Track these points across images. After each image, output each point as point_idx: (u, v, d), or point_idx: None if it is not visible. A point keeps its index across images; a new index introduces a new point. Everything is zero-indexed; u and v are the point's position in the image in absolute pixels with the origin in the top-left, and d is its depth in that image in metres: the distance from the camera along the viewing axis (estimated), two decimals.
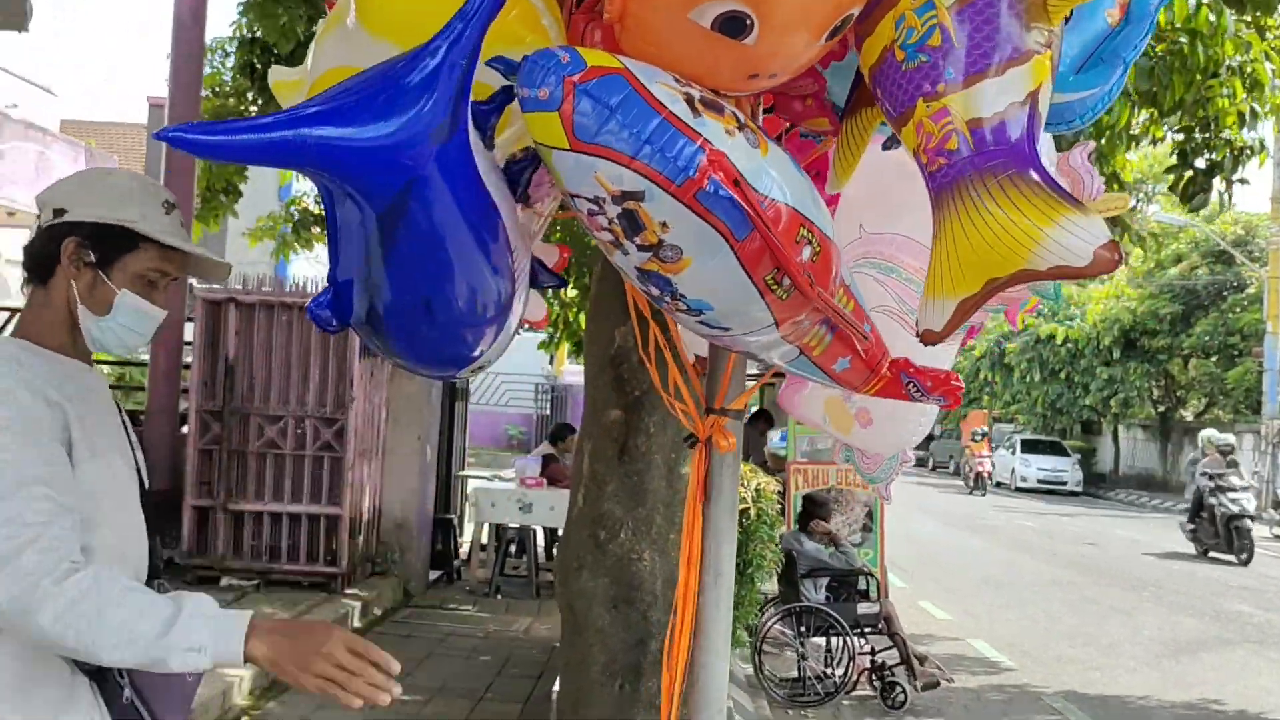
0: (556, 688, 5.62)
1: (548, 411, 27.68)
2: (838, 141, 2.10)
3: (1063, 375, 36.95)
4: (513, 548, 11.43)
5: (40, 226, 2.18)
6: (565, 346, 20.88)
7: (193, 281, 8.63)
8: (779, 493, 8.54)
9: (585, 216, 1.70)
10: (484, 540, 11.81)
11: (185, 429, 10.06)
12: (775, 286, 1.75)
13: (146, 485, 2.29)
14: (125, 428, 2.27)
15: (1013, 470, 35.67)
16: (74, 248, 2.12)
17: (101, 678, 2.04)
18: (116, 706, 2.05)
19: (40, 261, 2.16)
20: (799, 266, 1.75)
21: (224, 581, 8.78)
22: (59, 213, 2.15)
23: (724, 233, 1.68)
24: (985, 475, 32.76)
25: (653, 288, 1.80)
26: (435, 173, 1.73)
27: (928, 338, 1.79)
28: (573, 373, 26.94)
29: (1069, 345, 36.23)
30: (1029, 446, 36.12)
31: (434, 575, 11.09)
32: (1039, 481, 34.51)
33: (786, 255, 1.72)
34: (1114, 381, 35.13)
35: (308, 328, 9.18)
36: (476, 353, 2.07)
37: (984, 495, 31.82)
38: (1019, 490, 34.28)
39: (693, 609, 2.31)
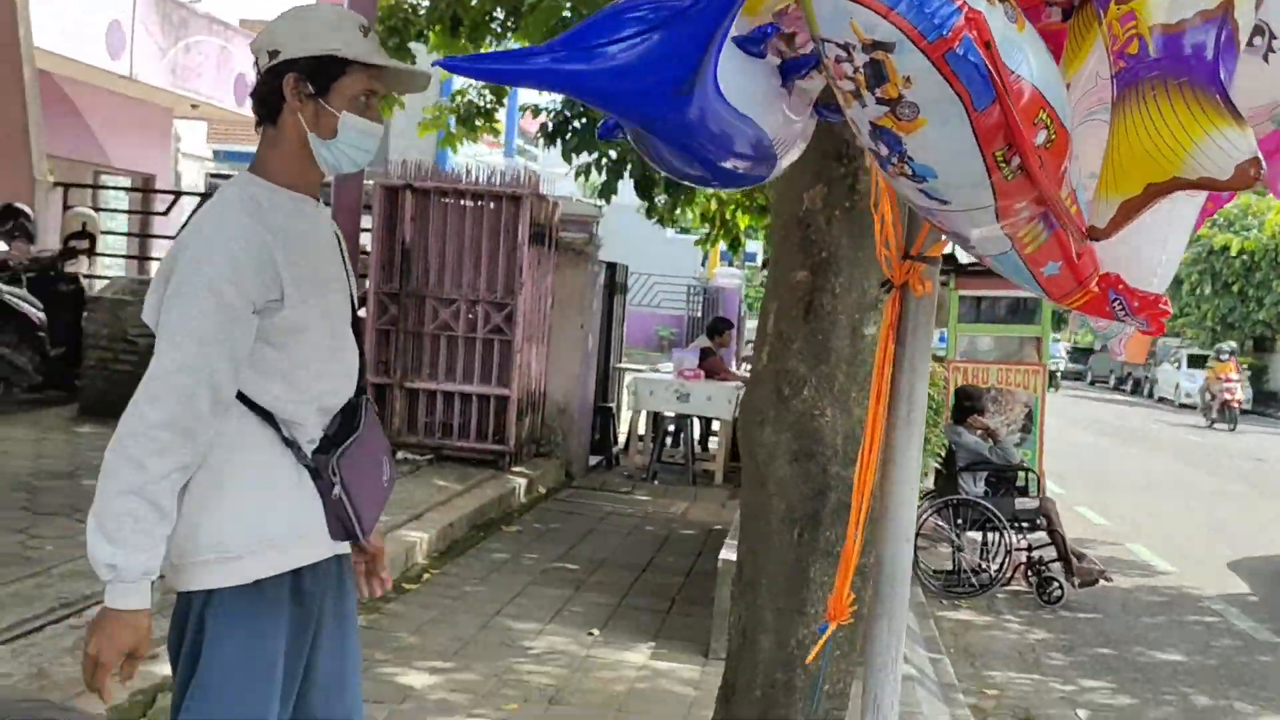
0: (728, 544, 5.84)
1: (699, 313, 27.80)
2: (1067, 35, 2.10)
3: (1235, 289, 35.45)
4: (669, 437, 11.69)
5: (260, 71, 2.40)
6: (718, 250, 20.93)
7: (367, 173, 8.96)
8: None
9: (831, 63, 1.77)
10: (641, 429, 12.10)
11: (363, 310, 10.51)
12: (1003, 164, 1.78)
13: (357, 311, 2.57)
14: (344, 258, 2.53)
15: (1177, 385, 34.59)
16: (294, 83, 2.35)
17: (316, 474, 2.36)
18: (328, 501, 2.38)
19: (266, 102, 2.40)
20: (1032, 148, 1.77)
21: (400, 455, 9.22)
22: (274, 54, 2.37)
23: (964, 98, 1.71)
24: (1234, 404, 26.61)
25: (882, 146, 1.85)
26: (684, 110, 1.88)
27: (1093, 233, 1.83)
28: (725, 275, 26.98)
29: (1244, 257, 34.66)
30: (1195, 361, 34.90)
31: (593, 461, 11.43)
32: None
33: (1022, 134, 1.74)
34: None
35: (480, 215, 9.46)
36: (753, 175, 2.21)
37: (1233, 429, 25.93)
38: (1183, 406, 33.24)
39: (878, 443, 2.41)
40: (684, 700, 5.02)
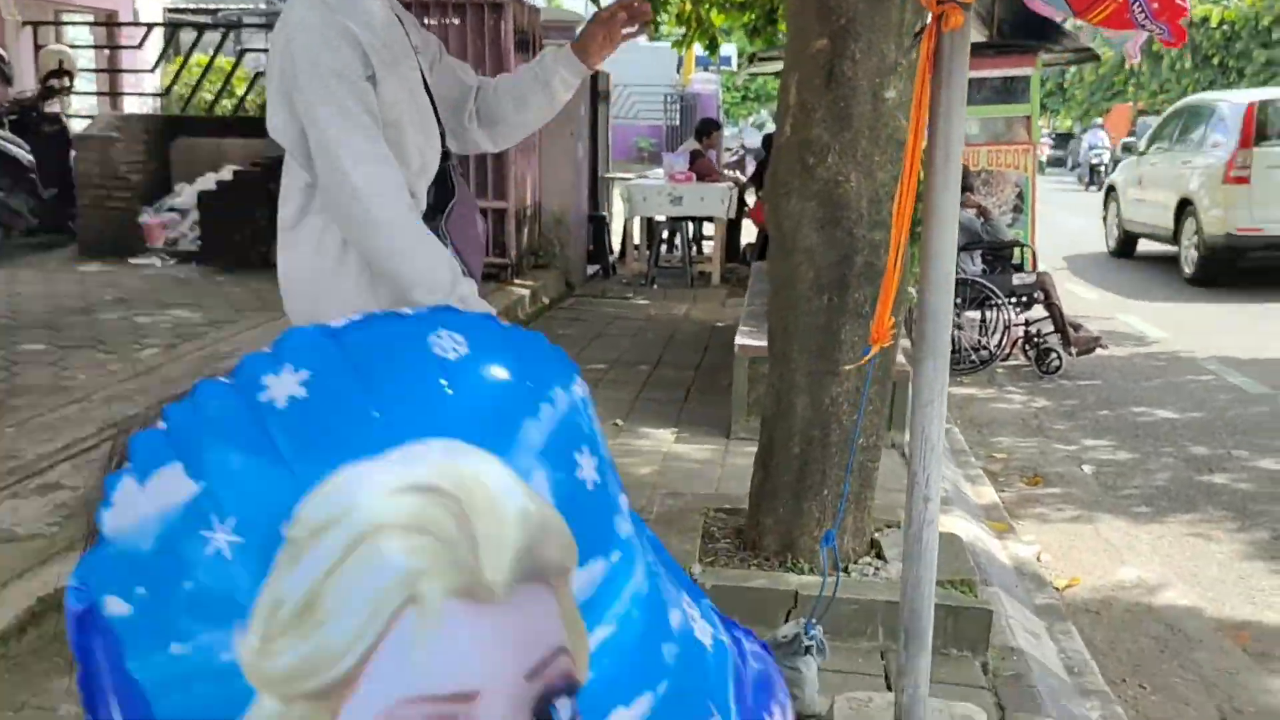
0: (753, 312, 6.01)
1: (677, 122, 27.51)
2: None
3: (1216, 61, 35.08)
4: (664, 243, 11.77)
5: None
6: (693, 56, 20.53)
7: None
8: None
9: None
10: (636, 236, 12.18)
11: None
12: None
13: (427, 81, 2.66)
14: (407, 33, 2.61)
15: None
16: None
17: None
18: None
19: None
20: None
21: None
22: None
23: None
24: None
25: None
26: None
27: None
28: (701, 81, 26.58)
29: (1224, 28, 34.21)
30: None
31: (590, 270, 11.54)
32: None
33: None
34: (1271, 65, 33.27)
35: (463, 26, 9.31)
36: None
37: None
38: None
39: (912, 197, 2.50)
40: (712, 474, 5.26)
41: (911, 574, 2.68)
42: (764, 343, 4.29)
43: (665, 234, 11.77)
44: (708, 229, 12.71)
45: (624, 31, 2.69)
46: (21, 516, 4.05)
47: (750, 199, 12.06)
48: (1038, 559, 4.81)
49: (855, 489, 3.71)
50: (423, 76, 2.61)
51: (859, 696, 2.94)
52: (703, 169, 11.73)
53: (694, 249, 12.20)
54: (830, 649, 3.09)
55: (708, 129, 12.82)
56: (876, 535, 3.92)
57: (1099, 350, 8.51)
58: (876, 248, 3.52)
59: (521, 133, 2.86)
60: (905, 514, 2.69)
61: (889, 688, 3.20)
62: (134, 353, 6.49)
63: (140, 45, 13.22)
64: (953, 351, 8.48)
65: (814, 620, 2.98)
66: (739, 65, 24.30)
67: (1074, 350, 8.41)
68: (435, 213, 2.54)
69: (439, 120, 2.63)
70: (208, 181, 10.17)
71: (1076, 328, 8.55)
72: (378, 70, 2.41)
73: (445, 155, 2.62)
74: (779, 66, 11.73)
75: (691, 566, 3.61)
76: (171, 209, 10.27)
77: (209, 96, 13.36)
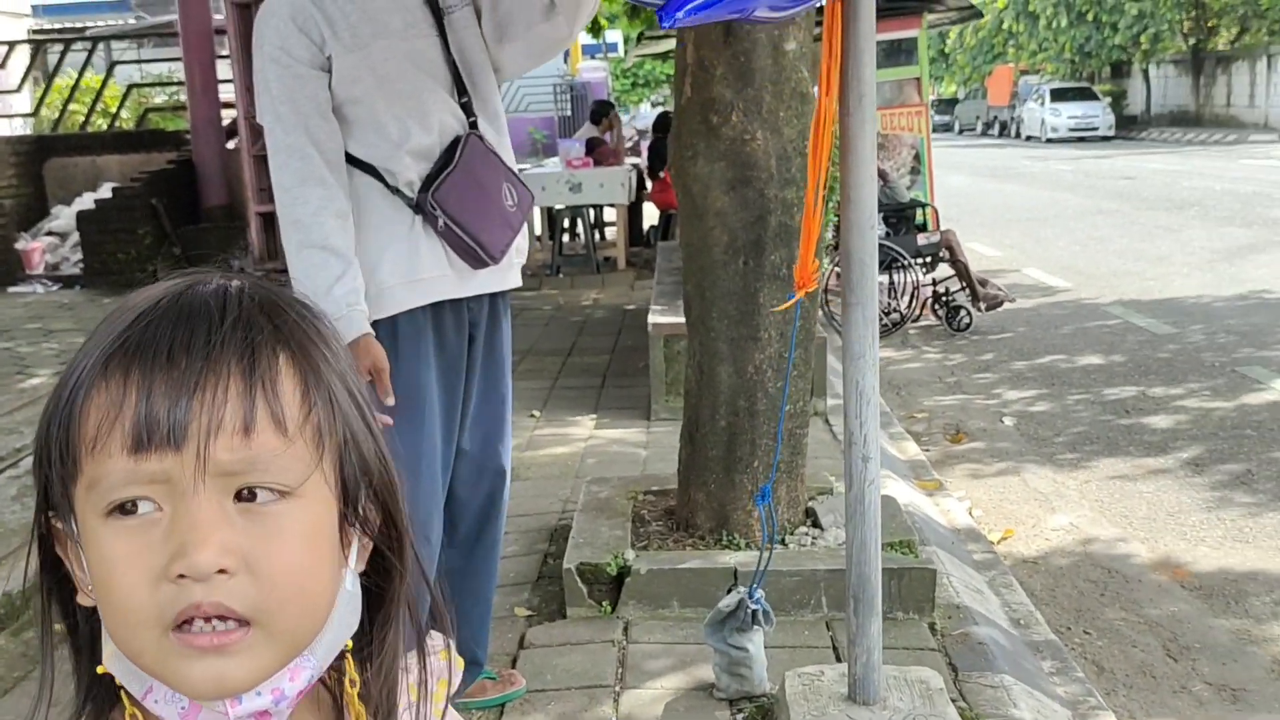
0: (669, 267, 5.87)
1: (569, 111, 27.29)
2: None
3: (1090, 16, 35.83)
4: (564, 232, 11.60)
5: None
6: (579, 44, 20.29)
7: None
8: None
9: None
10: (537, 228, 11.98)
11: (232, 142, 10.11)
12: None
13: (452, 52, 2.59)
14: (430, 5, 2.56)
15: (1042, 121, 35.26)
16: None
17: (420, 210, 2.51)
18: (438, 233, 2.52)
19: None
20: None
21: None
22: None
23: None
24: None
25: None
26: None
27: None
28: (589, 69, 26.40)
29: None
30: (1058, 95, 35.51)
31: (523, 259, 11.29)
32: (1070, 130, 34.16)
33: None
34: (1143, 17, 34.08)
35: None
36: None
37: None
38: (1050, 141, 33.97)
39: (829, 135, 2.39)
40: (636, 458, 5.12)
41: (856, 537, 2.56)
42: (679, 320, 4.16)
43: (566, 222, 11.60)
44: (609, 214, 12.56)
45: None
46: None
47: (650, 182, 11.94)
48: (970, 514, 4.75)
49: (786, 457, 3.59)
50: (444, 41, 2.54)
51: (810, 671, 2.82)
52: (602, 154, 11.56)
53: (597, 235, 12.04)
54: (775, 623, 2.97)
55: (605, 110, 12.66)
56: (810, 504, 3.81)
57: (1007, 304, 8.54)
58: (789, 207, 3.40)
59: (549, 43, 2.67)
60: (845, 475, 2.57)
61: (838, 659, 3.09)
62: (18, 383, 6.17)
63: (3, 65, 12.68)
64: None
65: (756, 586, 2.85)
66: (625, 50, 24.19)
67: (983, 306, 8.42)
68: (426, 185, 2.50)
69: (463, 86, 2.57)
70: (86, 201, 9.77)
71: (984, 283, 8.57)
72: (334, 50, 2.43)
73: (467, 110, 2.58)
74: (667, 46, 11.63)
75: (625, 553, 3.47)
76: (50, 232, 9.84)
77: (80, 115, 12.86)
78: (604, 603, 3.41)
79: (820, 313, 7.40)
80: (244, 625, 0.67)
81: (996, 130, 42.72)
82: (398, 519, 0.77)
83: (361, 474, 0.74)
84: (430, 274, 2.54)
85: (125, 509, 0.66)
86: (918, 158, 10.57)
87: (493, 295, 2.69)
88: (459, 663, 0.87)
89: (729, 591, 3.05)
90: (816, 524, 3.71)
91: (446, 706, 0.85)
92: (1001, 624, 3.57)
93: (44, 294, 9.24)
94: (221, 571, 0.66)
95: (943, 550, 3.96)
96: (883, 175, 8.88)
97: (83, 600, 0.72)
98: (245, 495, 0.68)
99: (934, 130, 41.43)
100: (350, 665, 0.76)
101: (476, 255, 2.56)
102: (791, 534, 3.63)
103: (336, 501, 0.73)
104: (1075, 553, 4.40)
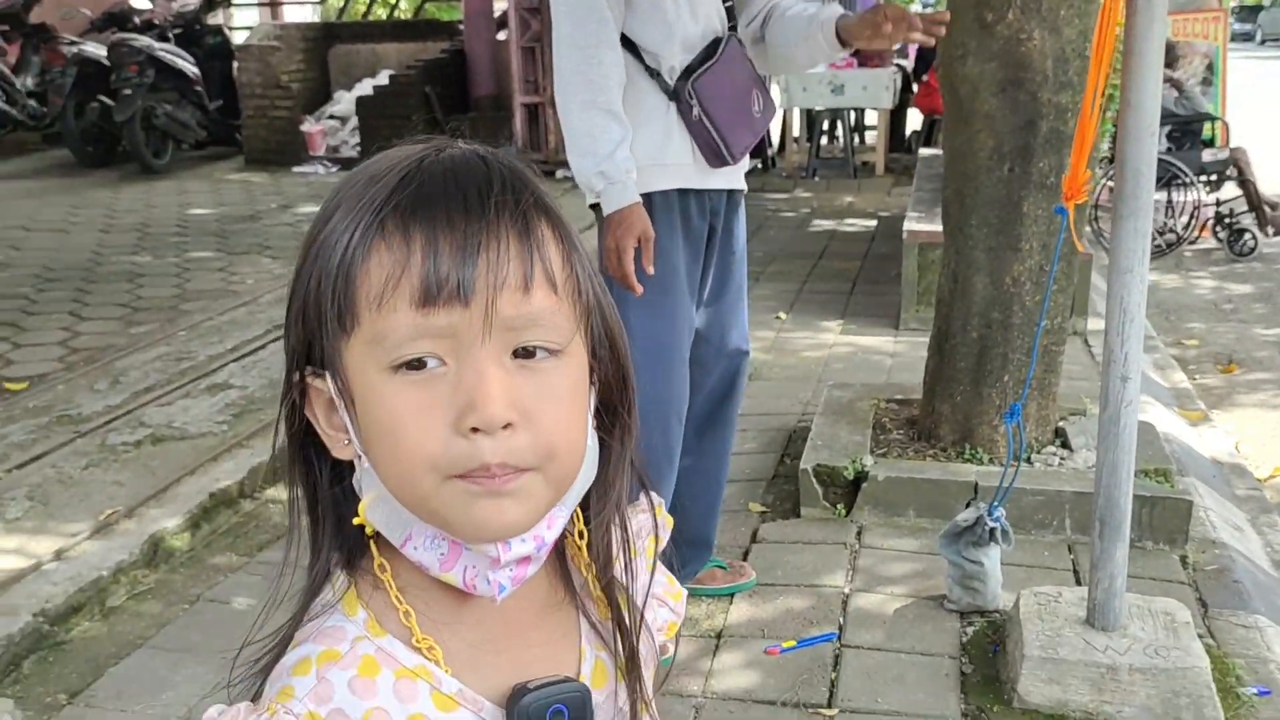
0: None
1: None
2: None
3: None
4: (824, 134, 11.38)
5: None
6: None
7: None
8: None
9: None
10: (795, 129, 11.80)
11: (502, 34, 10.34)
12: None
13: None
14: None
15: None
16: None
17: (677, 97, 2.57)
18: (690, 124, 2.59)
19: None
20: None
21: (559, 174, 9.22)
22: None
23: None
24: None
25: None
26: None
27: None
28: None
29: None
30: None
31: (749, 165, 11.22)
32: None
33: None
34: None
35: None
36: None
37: None
38: None
39: (1113, 37, 2.25)
40: (881, 366, 5.05)
41: (1107, 459, 2.46)
42: (935, 228, 4.04)
43: (826, 124, 11.36)
44: (870, 118, 12.24)
45: (893, 40, 2.61)
46: (193, 415, 4.12)
47: (915, 85, 11.56)
48: (1236, 449, 4.48)
49: (1039, 374, 3.46)
50: None
51: (1047, 591, 2.75)
52: (867, 55, 11.24)
53: (856, 139, 11.77)
54: (1014, 543, 2.90)
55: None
56: (1061, 424, 3.67)
57: None
58: (1063, 112, 3.22)
59: (783, 68, 2.85)
60: (1101, 395, 2.46)
61: (1078, 582, 2.99)
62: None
63: None
64: None
65: (997, 503, 2.79)
66: None
67: (1271, 230, 7.81)
68: (689, 73, 2.56)
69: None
70: (365, 88, 10.22)
71: (1274, 206, 7.94)
72: None
73: (731, 28, 2.67)
74: None
75: (863, 458, 3.44)
76: (331, 116, 10.37)
77: (363, 4, 13.40)
78: (839, 506, 3.41)
79: (1089, 228, 7.05)
80: (524, 471, 0.70)
81: None
82: (628, 379, 0.79)
83: (605, 336, 0.77)
84: (677, 160, 2.59)
85: (411, 365, 0.69)
86: (1210, 68, 9.84)
87: (729, 190, 2.73)
88: (668, 521, 0.90)
89: (968, 506, 3.00)
90: (1066, 445, 3.58)
91: (655, 562, 0.87)
92: (1262, 564, 3.38)
93: (324, 174, 9.77)
94: (507, 426, 0.69)
95: (1202, 483, 3.76)
96: (1178, 85, 8.29)
97: (338, 454, 0.76)
98: (521, 353, 0.70)
99: (1233, 39, 38.70)
100: (579, 518, 0.79)
101: (719, 152, 2.60)
102: (1039, 453, 3.52)
103: (589, 361, 0.75)
104: None
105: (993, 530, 2.78)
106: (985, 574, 2.86)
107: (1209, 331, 6.17)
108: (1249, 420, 4.87)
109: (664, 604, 0.90)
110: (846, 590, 3.04)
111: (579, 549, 0.80)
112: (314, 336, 0.74)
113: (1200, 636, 2.66)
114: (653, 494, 0.88)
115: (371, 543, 0.77)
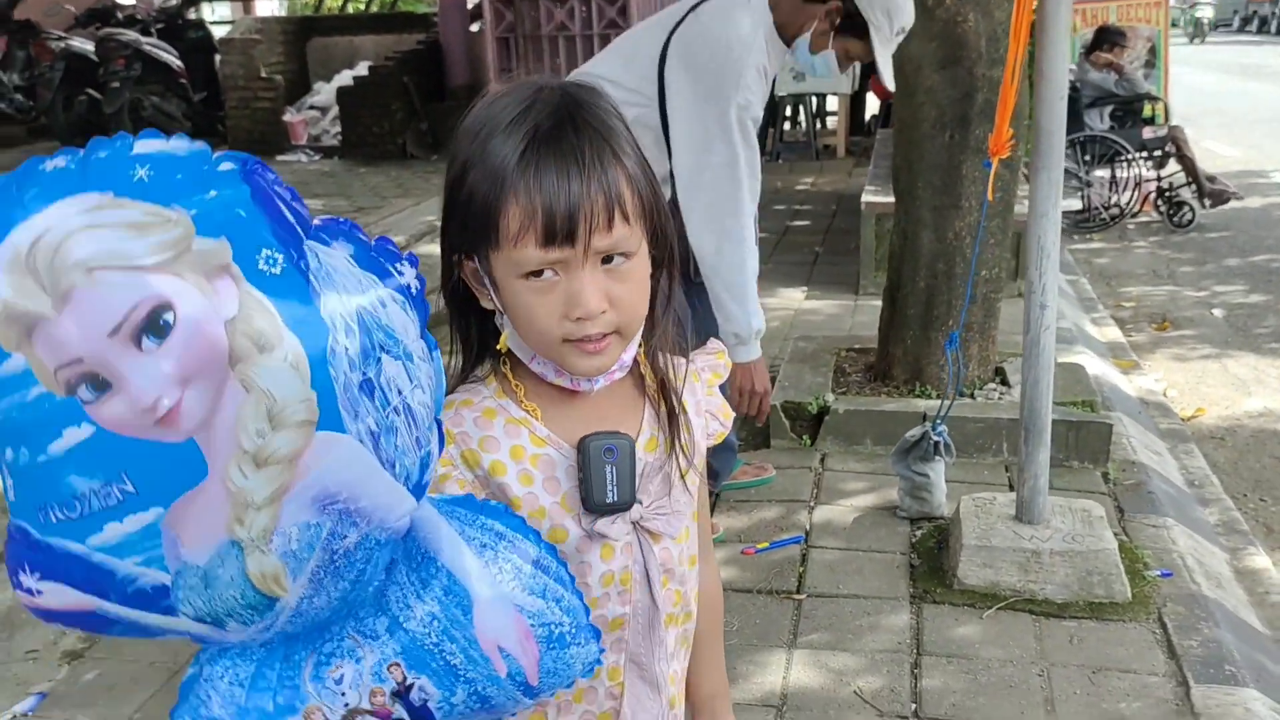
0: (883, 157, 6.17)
1: None
2: None
3: None
4: (786, 120, 11.82)
5: None
6: None
7: None
8: None
9: None
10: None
11: (475, 25, 10.72)
12: None
13: None
14: None
15: None
16: None
17: None
18: None
19: None
20: None
21: None
22: None
23: None
24: None
25: None
26: None
27: None
28: None
29: None
30: None
31: None
32: None
33: None
34: None
35: None
36: None
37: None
38: None
39: (1029, 16, 2.67)
40: (842, 323, 5.49)
41: (1029, 375, 2.90)
42: (890, 199, 4.47)
43: (789, 110, 11.81)
44: (831, 103, 12.69)
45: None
46: None
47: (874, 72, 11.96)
48: (1164, 394, 4.95)
49: (979, 319, 3.91)
50: None
51: (983, 496, 3.19)
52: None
53: (818, 124, 12.22)
54: (956, 463, 3.35)
55: None
56: (1001, 365, 4.12)
57: (1234, 202, 8.39)
58: (996, 85, 3.66)
59: None
60: (1024, 320, 2.90)
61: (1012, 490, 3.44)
62: None
63: None
64: (1082, 211, 8.44)
65: (940, 419, 3.23)
66: None
67: (1207, 202, 8.30)
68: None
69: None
70: (344, 78, 10.57)
71: (1211, 179, 8.43)
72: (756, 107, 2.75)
73: None
74: None
75: (825, 395, 3.88)
76: (312, 107, 10.71)
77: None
78: (804, 437, 3.85)
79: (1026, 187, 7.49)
80: (608, 335, 1.11)
81: (1255, 25, 39.94)
82: (668, 234, 1.20)
83: (657, 212, 1.17)
84: None
85: (535, 275, 1.09)
86: (1153, 50, 10.34)
87: None
88: (728, 362, 1.33)
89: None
90: (1005, 382, 4.03)
91: (714, 388, 1.31)
92: (1176, 482, 3.84)
93: (307, 162, 10.13)
94: (602, 312, 1.10)
95: (1128, 416, 4.22)
96: (1117, 68, 8.77)
97: (485, 305, 1.17)
98: (607, 260, 1.10)
99: (1179, 24, 38.70)
100: (642, 343, 1.22)
101: None
102: (980, 389, 3.97)
103: (649, 246, 1.16)
104: (1265, 432, 4.57)
105: (937, 444, 3.23)
106: (931, 485, 3.30)
107: (1145, 294, 6.66)
108: (1177, 370, 5.35)
109: (715, 418, 1.32)
110: (811, 504, 3.48)
111: (645, 362, 1.23)
112: (468, 239, 1.13)
113: (1116, 535, 3.11)
114: (716, 340, 1.36)
115: (501, 361, 1.19)
